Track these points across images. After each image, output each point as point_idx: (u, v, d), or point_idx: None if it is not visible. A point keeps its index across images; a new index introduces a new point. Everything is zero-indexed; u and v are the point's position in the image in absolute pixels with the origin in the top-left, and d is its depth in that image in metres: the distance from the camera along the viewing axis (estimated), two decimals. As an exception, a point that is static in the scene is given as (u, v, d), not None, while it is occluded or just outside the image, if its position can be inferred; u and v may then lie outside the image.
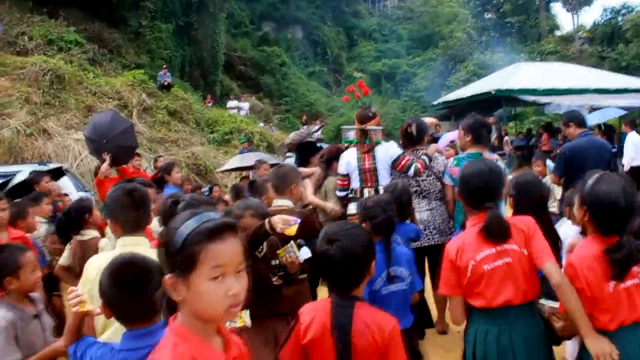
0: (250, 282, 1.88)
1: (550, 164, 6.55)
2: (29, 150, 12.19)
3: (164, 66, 20.30)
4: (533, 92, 16.86)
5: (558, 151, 5.79)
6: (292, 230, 2.63)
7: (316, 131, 21.39)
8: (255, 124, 22.42)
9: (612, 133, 15.08)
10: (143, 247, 2.51)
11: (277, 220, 2.63)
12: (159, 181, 5.82)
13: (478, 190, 2.59)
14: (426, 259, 4.68)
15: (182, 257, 1.41)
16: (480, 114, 16.19)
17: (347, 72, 46.45)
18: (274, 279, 2.98)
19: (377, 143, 4.78)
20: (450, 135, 13.34)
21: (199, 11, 27.36)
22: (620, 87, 17.81)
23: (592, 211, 2.39)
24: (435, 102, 22.36)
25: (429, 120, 7.13)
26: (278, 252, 2.91)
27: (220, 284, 1.41)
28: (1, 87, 13.58)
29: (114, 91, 16.37)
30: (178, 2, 26.60)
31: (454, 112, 19.98)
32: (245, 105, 24.87)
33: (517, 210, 3.15)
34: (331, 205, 5.03)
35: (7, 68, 14.42)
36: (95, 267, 2.41)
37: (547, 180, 5.91)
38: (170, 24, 25.82)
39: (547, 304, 2.56)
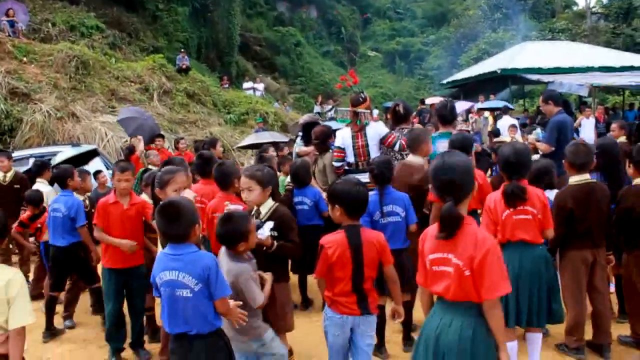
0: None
1: (540, 135, 7.35)
2: (60, 133, 13.09)
3: (182, 50, 21.03)
4: (538, 70, 17.32)
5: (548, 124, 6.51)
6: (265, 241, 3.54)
7: (329, 110, 22.11)
8: (270, 104, 23.07)
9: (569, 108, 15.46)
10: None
11: None
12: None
13: (442, 185, 2.54)
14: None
15: None
16: (487, 93, 16.99)
17: (362, 51, 46.72)
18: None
19: (366, 124, 5.58)
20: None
21: (215, -7, 27.90)
22: (626, 65, 18.16)
23: (500, 165, 3.79)
24: (444, 81, 22.86)
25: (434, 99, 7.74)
26: None
27: None
28: (32, 73, 14.49)
29: (135, 75, 17.20)
30: (194, -16, 27.19)
31: (462, 90, 20.53)
32: (260, 86, 25.53)
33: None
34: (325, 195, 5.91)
35: (36, 55, 15.30)
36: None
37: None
38: (186, 6, 26.42)
39: None
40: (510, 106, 16.13)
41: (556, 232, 3.91)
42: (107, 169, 9.63)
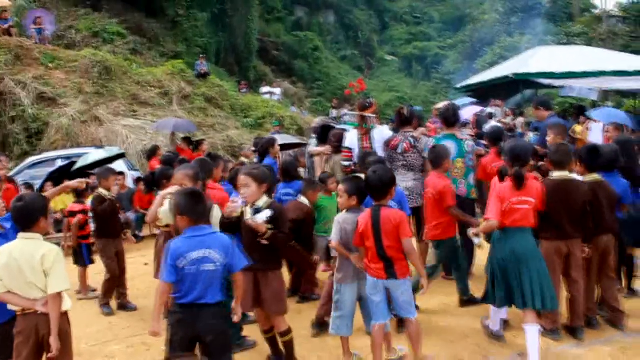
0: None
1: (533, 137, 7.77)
2: (84, 136, 13.66)
3: (201, 55, 21.54)
4: (550, 75, 17.44)
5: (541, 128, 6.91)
6: (237, 212, 4.03)
7: (346, 114, 22.45)
8: (287, 108, 23.50)
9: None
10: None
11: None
12: (263, 153, 7.37)
13: (515, 157, 4.45)
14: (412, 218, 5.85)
15: None
16: (501, 98, 17.22)
17: (379, 56, 46.99)
18: (259, 240, 3.99)
19: (372, 127, 5.98)
20: (465, 113, 14.38)
21: (233, -2, 28.43)
22: (639, 69, 18.21)
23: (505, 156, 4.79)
24: (458, 86, 23.07)
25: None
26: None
27: None
28: (57, 79, 15.10)
29: (156, 80, 17.72)
30: (213, -11, 27.74)
31: (476, 95, 20.72)
32: (278, 90, 25.96)
33: None
34: None
35: (61, 61, 15.92)
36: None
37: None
38: (205, 12, 26.97)
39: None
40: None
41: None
42: (129, 170, 10.13)
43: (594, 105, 19.01)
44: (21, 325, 3.31)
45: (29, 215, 3.35)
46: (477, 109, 15.69)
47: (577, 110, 17.45)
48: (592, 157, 4.88)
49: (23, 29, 17.28)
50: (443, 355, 4.47)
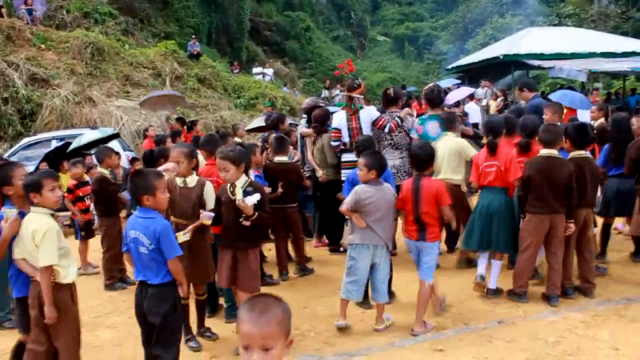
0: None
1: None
2: (77, 117, 13.78)
3: (193, 36, 21.54)
4: (540, 56, 17.58)
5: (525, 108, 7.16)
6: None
7: (338, 95, 22.54)
8: (279, 89, 23.60)
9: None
10: None
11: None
12: (274, 127, 7.67)
13: (490, 129, 5.45)
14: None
15: None
16: (490, 79, 17.36)
17: (371, 36, 46.89)
18: (241, 220, 4.11)
19: (360, 108, 6.17)
20: (455, 95, 14.56)
21: (225, -22, 28.20)
22: (628, 51, 18.40)
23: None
24: (449, 67, 23.21)
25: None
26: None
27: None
28: (50, 60, 15.15)
29: (148, 61, 17.80)
30: (205, -31, 27.55)
31: (467, 76, 20.88)
32: (270, 71, 26.00)
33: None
34: (321, 172, 6.67)
35: (53, 42, 15.95)
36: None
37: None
38: (197, -9, 26.87)
39: None
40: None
41: (518, 195, 5.05)
42: (124, 150, 10.28)
43: (583, 86, 19.27)
44: (31, 292, 3.53)
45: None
46: (470, 90, 15.85)
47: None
48: (579, 135, 5.15)
49: (13, 9, 17.24)
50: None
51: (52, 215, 3.56)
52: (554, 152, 4.88)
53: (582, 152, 5.17)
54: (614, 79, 25.49)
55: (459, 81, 19.44)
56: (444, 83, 17.65)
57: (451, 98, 13.47)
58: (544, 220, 4.87)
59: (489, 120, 5.56)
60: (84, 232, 6.83)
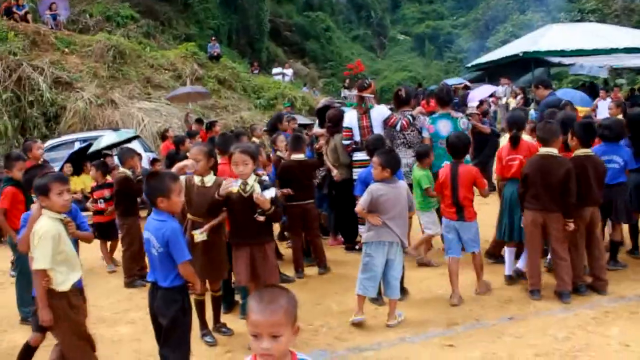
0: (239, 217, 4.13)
1: (532, 113, 8.25)
2: (100, 119, 14.06)
3: (213, 38, 21.77)
4: (560, 53, 17.42)
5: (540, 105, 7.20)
6: (233, 189, 4.11)
7: (348, 95, 22.57)
8: (298, 89, 23.71)
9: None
10: None
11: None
12: (273, 127, 7.86)
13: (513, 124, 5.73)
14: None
15: None
16: (510, 76, 17.27)
17: (391, 35, 46.84)
18: (256, 216, 4.19)
19: (370, 107, 6.25)
20: (478, 93, 14.52)
21: (245, -21, 28.42)
22: (651, 45, 18.09)
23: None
24: (469, 65, 23.08)
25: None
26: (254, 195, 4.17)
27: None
28: (73, 63, 15.49)
29: (169, 63, 18.05)
30: (224, -28, 27.80)
31: (487, 74, 20.75)
32: (289, 71, 26.12)
33: None
34: (336, 172, 6.71)
35: (76, 46, 16.30)
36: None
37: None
38: (217, -7, 27.15)
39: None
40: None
41: (518, 191, 5.20)
42: (145, 152, 10.50)
43: (606, 82, 19.01)
44: (35, 293, 3.57)
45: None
46: (492, 88, 15.79)
47: (589, 89, 17.53)
48: (585, 133, 5.12)
49: (38, 15, 17.65)
50: (439, 319, 4.78)
51: (61, 220, 3.55)
52: (552, 150, 4.89)
53: (587, 150, 5.11)
54: (638, 75, 25.06)
55: (463, 80, 19.37)
56: (450, 82, 17.61)
57: (475, 97, 13.45)
58: (536, 217, 4.93)
59: (512, 115, 6.00)
60: (97, 232, 6.94)
